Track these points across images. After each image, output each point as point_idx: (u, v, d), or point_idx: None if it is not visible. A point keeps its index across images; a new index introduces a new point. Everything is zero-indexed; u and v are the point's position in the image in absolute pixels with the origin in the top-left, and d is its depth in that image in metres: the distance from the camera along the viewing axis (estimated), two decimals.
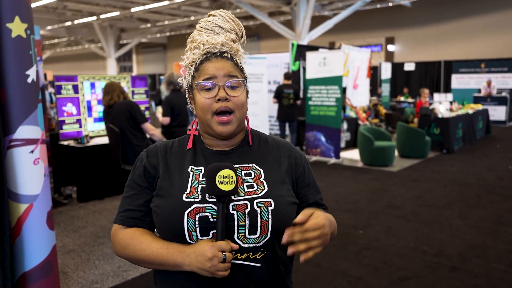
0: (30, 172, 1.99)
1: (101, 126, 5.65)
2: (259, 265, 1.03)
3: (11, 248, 1.89)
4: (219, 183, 0.98)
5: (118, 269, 3.33)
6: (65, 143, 5.36)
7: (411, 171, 6.73)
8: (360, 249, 3.63)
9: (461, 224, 4.23)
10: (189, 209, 1.02)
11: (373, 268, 3.26)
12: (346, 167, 7.12)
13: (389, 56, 19.42)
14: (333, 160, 7.43)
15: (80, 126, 5.47)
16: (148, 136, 4.25)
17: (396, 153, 7.89)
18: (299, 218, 0.97)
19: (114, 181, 5.38)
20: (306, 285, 3.02)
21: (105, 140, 5.29)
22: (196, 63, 1.12)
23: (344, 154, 8.09)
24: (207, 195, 1.03)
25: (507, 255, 3.47)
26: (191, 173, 1.09)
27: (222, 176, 0.98)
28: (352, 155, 8.07)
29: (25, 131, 1.96)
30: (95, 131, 5.67)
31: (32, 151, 1.99)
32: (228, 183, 0.98)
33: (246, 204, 1.03)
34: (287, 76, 7.86)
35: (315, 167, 7.01)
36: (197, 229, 1.01)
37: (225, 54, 1.11)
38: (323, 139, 7.50)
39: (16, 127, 1.94)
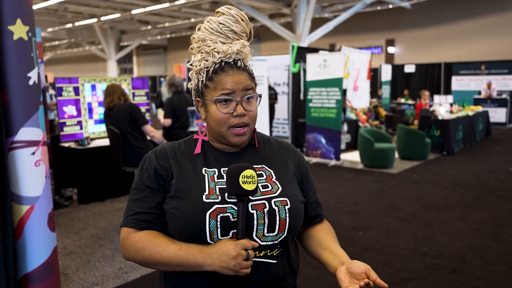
0: (31, 174, 1.99)
1: (102, 128, 5.66)
2: (275, 261, 1.08)
3: (14, 249, 1.90)
4: (243, 183, 1.00)
5: (119, 270, 3.34)
6: (66, 145, 5.37)
7: (411, 173, 6.73)
8: (360, 250, 3.63)
9: (461, 226, 4.23)
10: (211, 210, 1.03)
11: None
12: (347, 169, 7.13)
13: (389, 58, 19.44)
14: (333, 162, 7.43)
15: (81, 128, 5.49)
16: (148, 138, 4.26)
17: (396, 155, 7.89)
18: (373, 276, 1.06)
19: (114, 183, 5.39)
20: (307, 287, 3.03)
21: (105, 142, 5.30)
22: (209, 72, 1.10)
23: (345, 156, 8.10)
24: (226, 195, 1.05)
25: (507, 257, 3.47)
26: (206, 174, 1.10)
27: (245, 176, 1.01)
28: (353, 157, 8.07)
29: (26, 133, 1.97)
30: (96, 133, 5.68)
31: (33, 153, 2.00)
32: (251, 182, 1.02)
33: (265, 203, 1.07)
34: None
35: (315, 169, 7.02)
36: (218, 230, 1.03)
37: (239, 64, 1.10)
38: (323, 141, 7.51)
39: (18, 129, 1.95)
